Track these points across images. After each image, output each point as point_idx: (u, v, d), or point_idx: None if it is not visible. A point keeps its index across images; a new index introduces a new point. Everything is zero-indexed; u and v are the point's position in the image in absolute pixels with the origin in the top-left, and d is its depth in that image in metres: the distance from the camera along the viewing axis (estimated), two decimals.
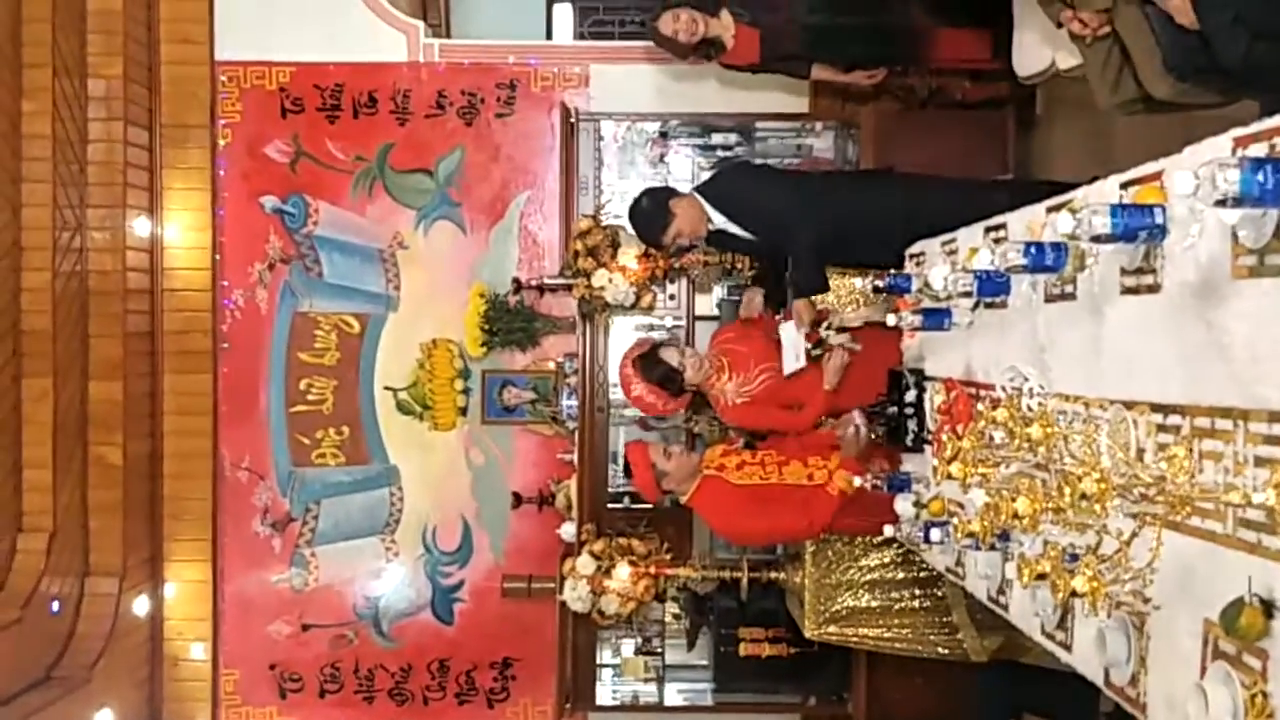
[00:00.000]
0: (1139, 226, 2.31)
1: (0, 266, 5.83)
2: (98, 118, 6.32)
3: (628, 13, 10.47)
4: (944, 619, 5.12)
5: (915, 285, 3.89)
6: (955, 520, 2.33)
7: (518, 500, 6.72)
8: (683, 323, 6.15)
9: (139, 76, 6.52)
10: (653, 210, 4.84)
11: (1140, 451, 2.36)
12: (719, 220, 4.86)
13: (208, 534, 6.85)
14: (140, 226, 6.58)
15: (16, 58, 5.89)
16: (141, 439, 6.63)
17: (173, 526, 6.84)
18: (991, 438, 2.37)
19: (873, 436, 4.56)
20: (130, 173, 6.47)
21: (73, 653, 6.15)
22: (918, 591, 5.15)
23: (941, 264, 3.68)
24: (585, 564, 5.75)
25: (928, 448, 4.02)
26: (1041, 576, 2.03)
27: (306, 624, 6.94)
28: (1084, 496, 1.87)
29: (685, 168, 6.72)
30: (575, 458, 6.18)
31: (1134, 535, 2.03)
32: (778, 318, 4.79)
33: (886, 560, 5.15)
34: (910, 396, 4.10)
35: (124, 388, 6.40)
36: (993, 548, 2.72)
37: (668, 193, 4.95)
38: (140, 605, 6.57)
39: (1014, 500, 1.95)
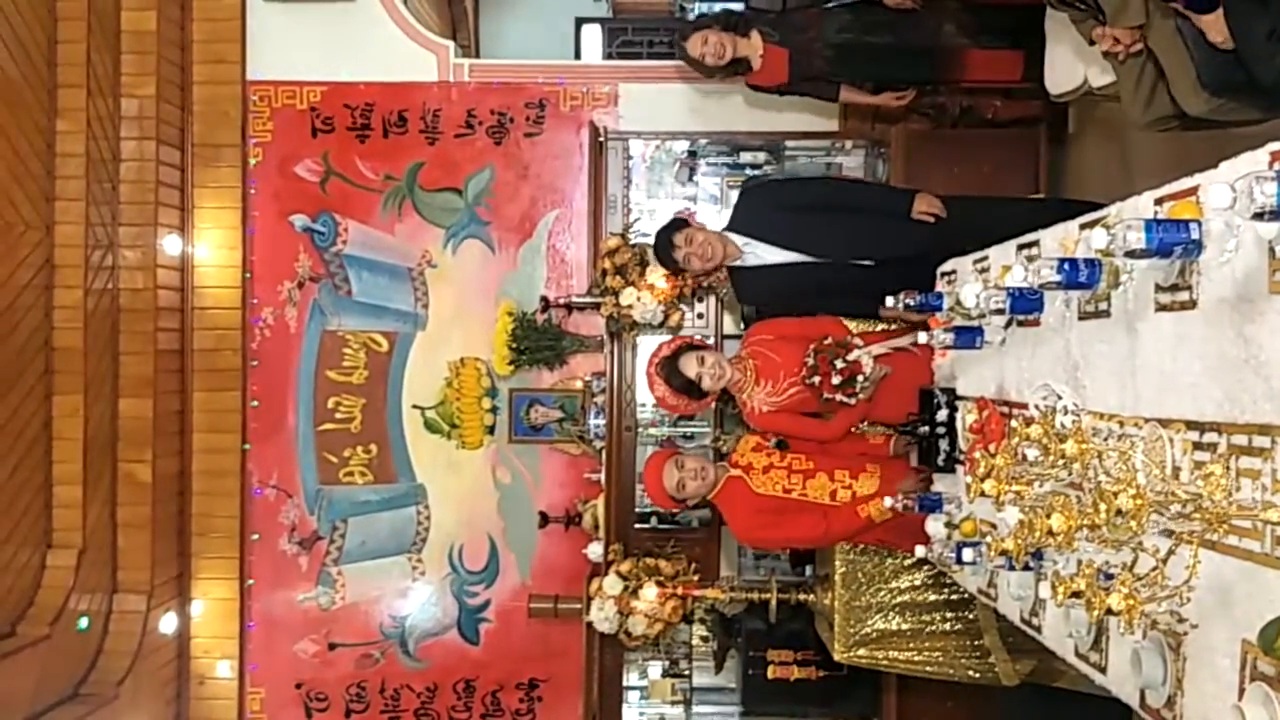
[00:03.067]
0: (1174, 242, 2.28)
1: (33, 284, 5.88)
2: (130, 137, 6.37)
3: (656, 33, 10.51)
4: (975, 642, 5.06)
5: (947, 303, 3.87)
6: (989, 539, 2.30)
7: (544, 520, 6.69)
8: (711, 341, 6.13)
9: (172, 96, 6.58)
10: (665, 229, 4.97)
11: (1176, 470, 2.32)
12: (741, 242, 4.88)
13: (235, 552, 6.86)
14: (171, 245, 6.62)
15: (51, 78, 5.96)
16: (170, 456, 6.66)
17: (200, 544, 6.85)
18: (1025, 455, 2.34)
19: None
20: (162, 191, 6.51)
21: (100, 670, 6.16)
22: (949, 614, 5.10)
23: (973, 282, 3.65)
24: (612, 584, 5.73)
25: (959, 468, 3.99)
26: (1076, 594, 1.99)
27: (333, 643, 6.94)
28: (1120, 513, 1.84)
29: (714, 187, 6.72)
30: (602, 477, 6.16)
31: (1170, 553, 1.99)
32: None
33: (917, 582, 5.10)
34: (942, 416, 4.07)
35: (154, 405, 6.42)
36: (1027, 567, 2.68)
37: (684, 220, 5.09)
38: (168, 623, 6.58)
39: (1048, 517, 1.92)
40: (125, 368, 6.38)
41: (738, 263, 4.93)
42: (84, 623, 6.04)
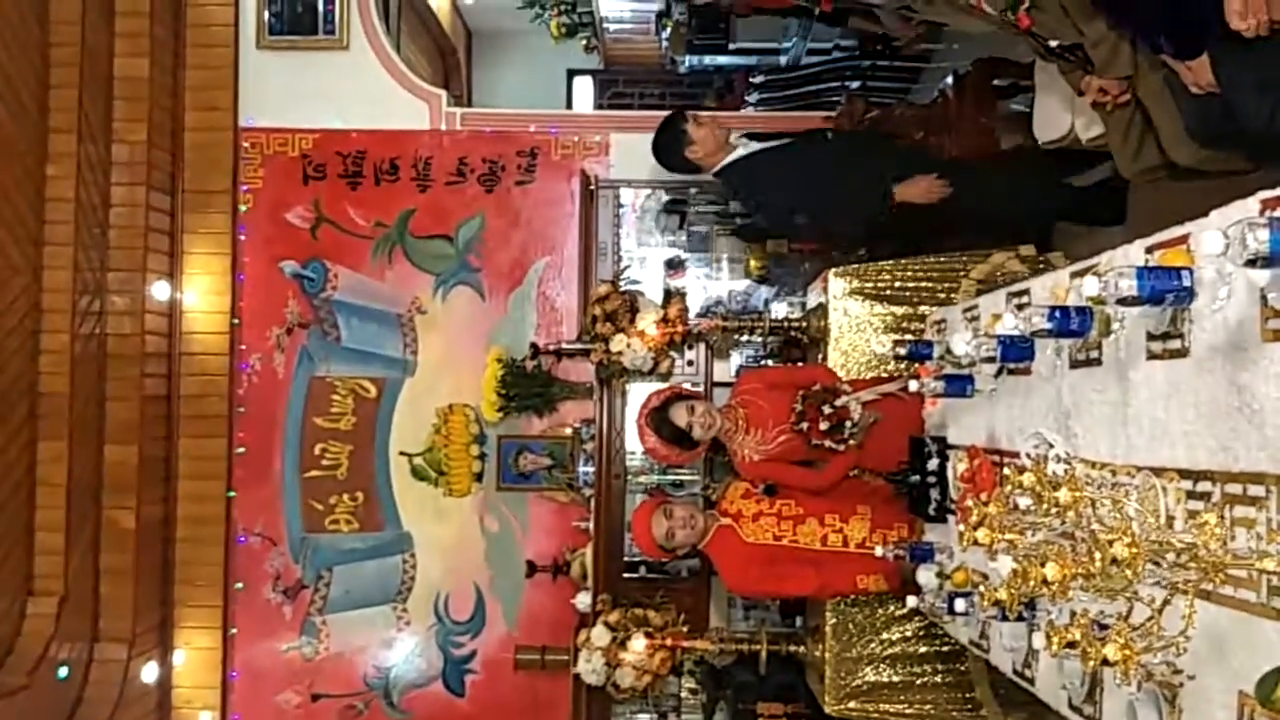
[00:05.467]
0: (1166, 289, 2.29)
1: (19, 329, 5.84)
2: (120, 182, 6.36)
3: (647, 85, 10.62)
4: (967, 695, 5.00)
5: (937, 352, 3.87)
6: (981, 588, 2.27)
7: (532, 569, 6.63)
8: (701, 389, 6.11)
9: (162, 142, 6.59)
10: (670, 120, 5.08)
11: (1170, 519, 2.31)
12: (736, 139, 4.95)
13: (219, 600, 6.78)
14: (160, 290, 6.59)
15: (43, 122, 5.96)
16: (155, 503, 6.59)
17: (184, 592, 6.77)
18: (1017, 504, 2.32)
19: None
20: (151, 237, 6.49)
21: (80, 719, 6.06)
22: (940, 666, 5.05)
23: (963, 330, 3.65)
24: (600, 635, 5.66)
25: (950, 517, 3.96)
26: (1071, 645, 1.96)
27: (316, 694, 6.84)
28: (1115, 561, 1.82)
29: (704, 235, 6.75)
30: (591, 526, 6.12)
31: (1166, 603, 1.97)
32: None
33: (908, 634, 5.06)
34: (932, 465, 4.06)
35: (139, 451, 6.36)
36: (1020, 617, 2.66)
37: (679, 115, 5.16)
38: (149, 672, 6.49)
39: (1043, 566, 1.90)
40: (111, 413, 6.33)
41: (731, 158, 4.97)
42: (64, 672, 5.94)
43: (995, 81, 5.78)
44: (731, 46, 8.94)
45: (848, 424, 4.53)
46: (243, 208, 6.85)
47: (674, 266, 6.81)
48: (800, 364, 5.80)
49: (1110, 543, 1.82)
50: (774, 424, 4.69)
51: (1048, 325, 2.65)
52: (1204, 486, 2.26)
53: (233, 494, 6.82)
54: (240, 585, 6.82)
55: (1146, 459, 2.49)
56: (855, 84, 8.00)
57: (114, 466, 6.32)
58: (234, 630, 6.82)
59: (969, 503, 2.31)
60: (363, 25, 6.84)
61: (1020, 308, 3.22)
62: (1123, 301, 2.29)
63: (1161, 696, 2.35)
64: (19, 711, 5.59)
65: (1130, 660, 1.93)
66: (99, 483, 6.27)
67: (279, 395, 6.85)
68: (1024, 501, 2.29)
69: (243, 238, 6.84)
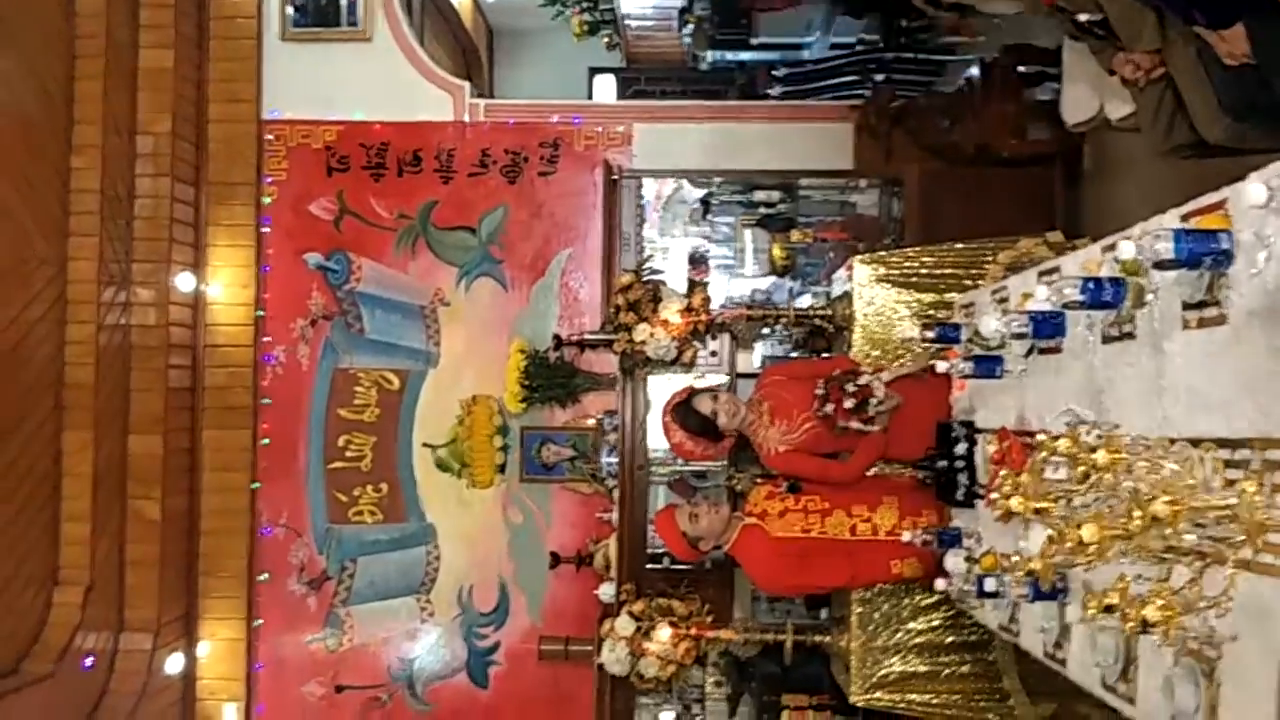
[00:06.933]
0: (1203, 252, 2.24)
1: (45, 320, 5.86)
2: (145, 174, 6.39)
3: (668, 82, 10.59)
4: (995, 684, 4.95)
5: (965, 335, 3.82)
6: (1015, 559, 2.23)
7: (556, 560, 6.61)
8: (725, 379, 6.08)
9: (187, 134, 6.61)
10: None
11: (1208, 489, 2.26)
12: None
13: (243, 591, 6.79)
14: (184, 282, 6.61)
15: (68, 114, 5.99)
16: (180, 494, 6.61)
17: (208, 583, 6.79)
18: (1047, 476, 2.28)
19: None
20: (176, 229, 6.52)
21: (104, 710, 6.07)
22: (967, 656, 5.00)
23: (992, 312, 3.60)
24: (624, 625, 5.62)
25: (979, 502, 3.91)
26: (1110, 609, 1.92)
27: (340, 685, 6.84)
28: (1155, 519, 1.78)
29: (727, 224, 6.72)
30: (614, 516, 6.09)
31: (1206, 565, 1.93)
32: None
33: (935, 623, 5.00)
34: (960, 450, 4.00)
35: (164, 442, 6.39)
36: (1053, 590, 2.61)
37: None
38: (174, 663, 6.50)
39: (1079, 527, 1.85)
40: (136, 404, 6.36)
41: None
42: (89, 661, 5.95)
43: (1021, 69, 5.74)
44: (754, 42, 8.92)
45: (872, 401, 4.48)
46: (266, 199, 6.87)
47: (697, 262, 6.79)
48: (825, 355, 5.77)
49: (1150, 500, 1.78)
50: (798, 413, 4.64)
51: (1080, 297, 2.60)
52: (1243, 455, 2.21)
53: (257, 485, 6.84)
54: (265, 576, 6.83)
55: (1183, 430, 2.44)
56: (879, 77, 7.96)
57: (139, 457, 6.34)
58: (259, 621, 6.83)
59: (1001, 474, 2.26)
60: (386, 17, 6.85)
61: (1051, 282, 3.17)
62: (1159, 265, 2.24)
63: (1199, 671, 2.30)
64: (45, 700, 5.60)
65: (1171, 622, 1.89)
66: (124, 473, 6.29)
67: (303, 387, 6.86)
68: (1058, 475, 2.25)
69: (267, 229, 6.86)
